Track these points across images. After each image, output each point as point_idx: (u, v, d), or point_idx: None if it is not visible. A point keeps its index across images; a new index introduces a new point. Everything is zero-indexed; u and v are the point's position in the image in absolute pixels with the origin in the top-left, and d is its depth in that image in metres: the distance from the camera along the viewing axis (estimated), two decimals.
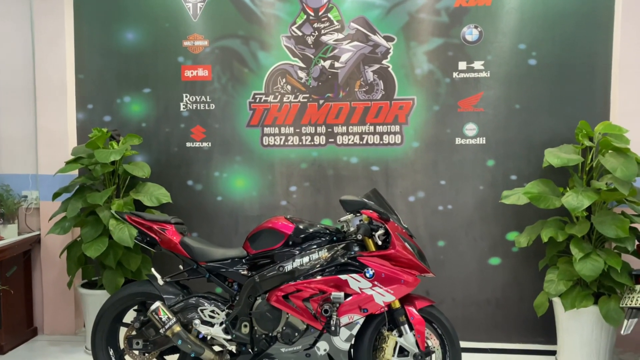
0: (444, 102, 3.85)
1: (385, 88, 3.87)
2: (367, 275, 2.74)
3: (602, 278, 3.25)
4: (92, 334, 3.04)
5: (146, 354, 3.00)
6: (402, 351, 2.84)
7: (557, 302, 3.43)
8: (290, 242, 2.87)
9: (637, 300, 3.00)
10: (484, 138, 3.83)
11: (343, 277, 2.75)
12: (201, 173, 4.04)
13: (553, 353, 3.65)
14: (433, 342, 2.86)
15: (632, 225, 3.33)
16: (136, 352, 2.99)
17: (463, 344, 3.82)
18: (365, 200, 2.85)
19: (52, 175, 3.84)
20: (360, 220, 2.91)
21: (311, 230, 2.89)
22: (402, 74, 3.86)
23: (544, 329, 3.81)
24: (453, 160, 3.87)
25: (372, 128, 3.90)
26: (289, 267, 2.82)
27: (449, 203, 3.89)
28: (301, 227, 2.88)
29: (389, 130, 3.89)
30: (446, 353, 2.90)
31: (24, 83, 4.03)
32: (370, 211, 2.82)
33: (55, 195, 3.65)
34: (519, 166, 3.82)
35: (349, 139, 3.92)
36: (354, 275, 2.75)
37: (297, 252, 2.86)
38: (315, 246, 2.86)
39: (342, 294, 2.71)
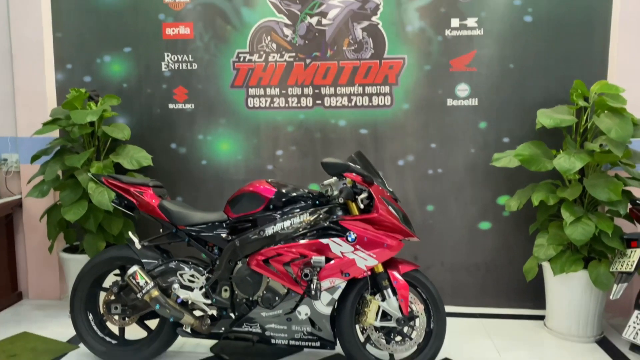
0: (436, 62, 3.70)
1: (375, 46, 3.72)
2: (349, 239, 2.67)
3: (593, 242, 3.18)
4: (70, 299, 2.99)
5: (125, 319, 2.95)
6: (385, 315, 2.78)
7: (546, 266, 3.36)
8: (271, 206, 2.79)
9: (627, 264, 2.93)
10: (477, 99, 3.70)
11: (324, 241, 2.67)
12: (185, 136, 3.93)
13: (542, 318, 3.61)
14: (417, 306, 2.80)
15: (626, 188, 3.24)
16: (115, 317, 2.94)
17: (452, 309, 3.81)
18: (349, 162, 2.75)
19: (31, 138, 3.74)
20: (343, 184, 2.81)
21: (293, 194, 2.80)
22: (393, 31, 3.70)
23: (533, 294, 3.76)
24: (444, 123, 3.75)
25: (360, 89, 3.76)
26: (269, 231, 2.74)
27: (439, 167, 3.78)
28: (283, 190, 2.79)
29: (378, 92, 3.76)
30: (430, 318, 2.85)
31: (0, 43, 3.88)
32: (354, 174, 2.72)
33: (34, 158, 3.54)
34: (511, 128, 3.70)
35: (337, 101, 3.79)
36: (335, 239, 2.67)
37: (279, 216, 2.78)
38: (297, 210, 2.78)
39: (323, 258, 2.63)
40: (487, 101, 3.69)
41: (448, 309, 3.82)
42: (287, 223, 2.73)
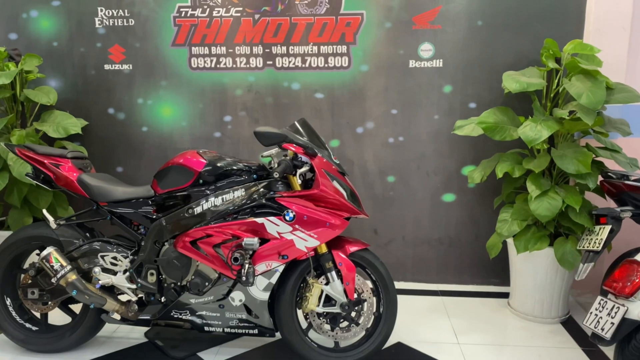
0: (397, 18, 3.35)
1: (330, 0, 3.35)
2: (287, 218, 2.38)
3: (561, 218, 2.93)
4: None
5: (46, 304, 2.67)
6: (330, 300, 2.54)
7: (510, 243, 3.13)
8: (201, 181, 2.48)
9: (595, 242, 2.69)
10: (441, 60, 3.38)
11: (259, 220, 2.39)
12: (123, 100, 3.57)
13: (506, 295, 3.40)
14: (365, 290, 2.55)
15: (598, 159, 2.98)
16: (33, 302, 2.66)
17: (412, 286, 3.59)
18: (287, 132, 2.44)
19: None
20: (284, 156, 2.51)
21: (226, 167, 2.49)
22: None
23: (499, 270, 3.55)
24: (406, 86, 3.43)
25: (315, 48, 3.42)
26: (198, 209, 2.44)
27: (401, 134, 3.49)
28: (213, 163, 2.47)
29: (334, 52, 3.41)
30: (380, 301, 2.60)
31: None
32: (295, 145, 2.42)
33: None
34: (479, 93, 3.40)
35: (289, 62, 3.44)
36: (271, 218, 2.39)
37: (210, 192, 2.48)
38: (231, 185, 2.48)
39: (255, 239, 2.35)
40: (452, 63, 3.37)
41: (409, 285, 3.62)
42: (218, 200, 2.43)
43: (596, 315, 2.24)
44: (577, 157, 2.75)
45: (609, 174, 2.86)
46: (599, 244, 2.66)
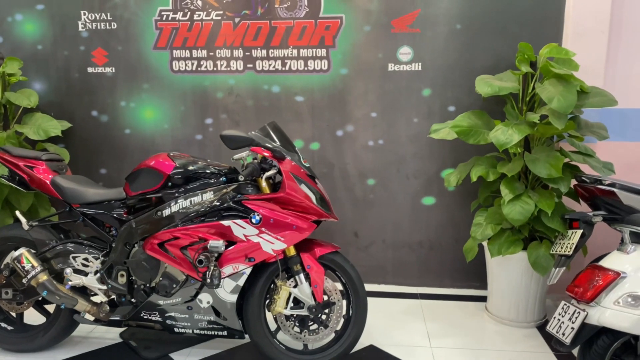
0: (376, 22, 3.36)
1: (310, 4, 3.37)
2: (253, 220, 2.40)
3: (534, 223, 2.92)
4: None
5: (18, 304, 2.71)
6: (299, 302, 2.55)
7: (486, 246, 3.12)
8: (170, 183, 2.51)
9: (566, 246, 2.68)
10: (420, 64, 3.38)
11: (226, 223, 2.41)
12: (106, 102, 3.61)
13: (484, 299, 3.40)
14: (334, 292, 2.56)
15: (573, 163, 2.97)
16: (8, 302, 2.70)
17: (392, 289, 3.60)
18: (252, 135, 2.46)
19: None
20: (254, 159, 2.53)
21: (196, 169, 2.51)
22: None
23: (479, 274, 3.54)
24: (385, 89, 3.44)
25: (295, 52, 3.43)
26: (166, 211, 2.47)
27: (380, 137, 3.50)
28: (183, 166, 2.50)
29: (314, 55, 3.43)
30: (350, 304, 2.61)
31: None
32: (262, 149, 2.44)
33: None
34: (458, 96, 3.40)
35: (269, 65, 3.46)
36: (237, 221, 2.41)
37: (180, 194, 2.50)
38: (201, 188, 2.50)
39: (220, 242, 2.37)
40: (431, 66, 3.38)
41: (389, 288, 3.62)
42: (186, 202, 2.46)
43: (559, 320, 2.24)
44: (549, 161, 2.75)
45: (583, 178, 2.84)
46: (570, 248, 2.64)
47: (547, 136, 2.92)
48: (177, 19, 3.45)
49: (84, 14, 3.51)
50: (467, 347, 2.85)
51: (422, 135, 3.46)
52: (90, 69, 3.57)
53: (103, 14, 3.50)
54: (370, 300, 3.40)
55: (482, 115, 3.00)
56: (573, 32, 3.16)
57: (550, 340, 2.91)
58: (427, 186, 3.52)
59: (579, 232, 2.66)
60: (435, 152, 3.47)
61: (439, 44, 3.34)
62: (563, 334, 2.17)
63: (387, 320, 3.16)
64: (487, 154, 3.17)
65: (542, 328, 3.07)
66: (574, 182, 3.00)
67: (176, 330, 2.59)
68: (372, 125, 3.49)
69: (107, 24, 3.51)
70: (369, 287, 3.62)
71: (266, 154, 2.44)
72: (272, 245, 2.43)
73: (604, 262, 2.25)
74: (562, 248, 2.72)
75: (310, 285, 2.51)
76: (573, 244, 2.64)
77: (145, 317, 2.58)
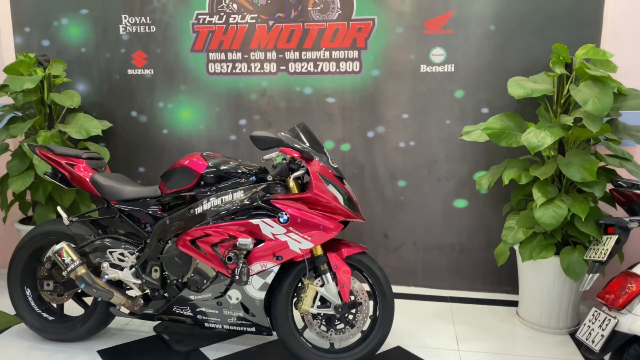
0: (409, 23, 3.36)
1: (342, 6, 3.40)
2: (281, 220, 2.45)
3: (568, 227, 2.87)
4: (7, 273, 2.89)
5: (59, 296, 2.84)
6: (325, 301, 2.58)
7: (518, 250, 3.08)
8: (203, 182, 2.58)
9: (600, 252, 2.62)
10: (453, 65, 3.36)
11: (255, 221, 2.46)
12: (145, 103, 3.74)
13: (515, 304, 3.35)
14: (361, 293, 2.58)
15: (610, 167, 2.90)
16: (49, 293, 2.84)
17: (422, 291, 3.59)
18: (284, 136, 2.51)
19: None
20: (284, 159, 2.58)
21: (227, 169, 2.58)
22: None
23: (511, 278, 3.49)
24: (417, 91, 3.43)
25: (327, 54, 3.47)
26: (199, 209, 2.54)
27: (411, 139, 3.49)
28: (215, 165, 2.57)
29: (346, 57, 3.46)
30: (377, 305, 2.63)
31: None
32: (291, 149, 2.48)
33: None
34: (491, 98, 3.36)
35: (302, 67, 3.51)
36: (266, 219, 2.46)
37: (212, 193, 2.57)
38: (232, 187, 2.57)
39: (249, 240, 2.42)
40: (464, 67, 3.35)
41: (419, 290, 3.61)
42: (217, 201, 2.53)
43: (589, 327, 2.19)
44: (583, 165, 2.69)
45: (620, 182, 2.77)
46: (605, 254, 2.58)
47: (582, 139, 2.86)
48: (213, 22, 3.54)
49: (125, 18, 3.64)
50: (496, 351, 2.82)
51: (454, 137, 3.43)
52: (130, 71, 3.71)
53: (143, 18, 3.62)
54: (399, 302, 3.40)
55: (515, 118, 2.96)
56: (612, 33, 3.09)
57: (581, 347, 2.85)
58: (458, 188, 3.50)
59: (614, 237, 2.59)
60: (468, 154, 3.44)
61: (473, 45, 3.31)
62: (593, 342, 2.12)
63: (415, 322, 3.15)
64: (520, 157, 3.13)
65: (574, 335, 3.00)
66: (610, 186, 2.92)
67: (206, 325, 2.67)
68: (403, 126, 3.49)
69: (147, 27, 3.63)
70: (398, 289, 3.62)
71: (295, 155, 2.48)
72: (299, 244, 2.47)
73: (637, 269, 2.20)
74: (596, 254, 2.65)
75: (336, 284, 2.54)
76: (607, 249, 2.58)
77: (177, 311, 2.66)
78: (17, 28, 3.77)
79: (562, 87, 2.96)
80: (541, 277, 2.97)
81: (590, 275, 2.60)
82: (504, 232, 2.99)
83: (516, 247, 3.09)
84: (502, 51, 3.29)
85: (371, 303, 2.64)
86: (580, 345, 2.85)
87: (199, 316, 2.65)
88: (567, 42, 3.11)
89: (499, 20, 3.26)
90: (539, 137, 2.67)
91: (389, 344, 2.87)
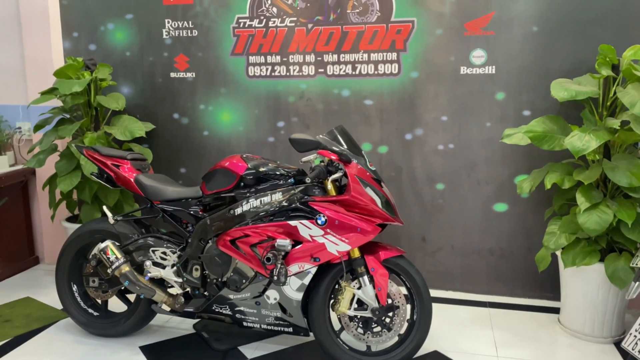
0: (449, 25, 3.34)
1: (381, 8, 3.40)
2: (319, 222, 2.46)
3: (614, 233, 2.78)
4: (55, 270, 3.01)
5: (103, 292, 2.94)
6: (362, 304, 2.59)
7: (560, 256, 3.01)
8: (242, 184, 2.63)
9: None
10: (494, 67, 3.31)
11: (293, 223, 2.49)
12: (187, 106, 3.82)
13: (557, 311, 3.27)
14: (399, 296, 2.57)
15: None
16: (94, 290, 2.94)
17: (459, 296, 3.55)
18: (322, 138, 2.53)
19: (42, 107, 3.76)
20: (321, 162, 2.60)
21: (266, 171, 2.61)
22: None
23: (553, 284, 3.41)
24: (457, 93, 3.40)
25: (365, 56, 3.47)
26: (238, 210, 2.59)
27: (451, 142, 3.46)
28: (254, 167, 2.61)
29: (384, 59, 3.45)
30: (414, 308, 2.62)
31: (9, 11, 3.90)
32: (329, 152, 2.50)
33: (37, 128, 3.56)
34: (533, 100, 3.29)
35: (340, 69, 3.53)
36: (304, 221, 2.48)
37: (251, 194, 2.61)
38: (271, 188, 2.60)
39: (287, 241, 2.45)
40: (505, 69, 3.30)
41: (456, 295, 3.57)
42: (256, 202, 2.56)
43: (635, 336, 2.13)
44: (630, 170, 2.61)
45: None
46: None
47: (629, 143, 2.77)
48: (253, 26, 3.59)
49: (168, 22, 3.73)
50: (537, 359, 2.76)
51: (494, 140, 3.38)
52: (172, 74, 3.80)
53: (185, 22, 3.70)
54: (436, 307, 3.37)
55: (558, 121, 2.90)
56: None
57: (627, 357, 2.76)
58: (499, 192, 3.44)
59: None
60: (508, 158, 3.38)
61: (514, 46, 3.26)
62: (639, 352, 2.06)
63: (453, 327, 3.12)
64: (563, 161, 3.06)
65: (619, 344, 2.91)
66: None
67: (245, 324, 2.71)
68: (442, 129, 3.46)
69: (189, 31, 3.71)
70: (435, 293, 3.58)
71: (333, 157, 2.50)
72: (336, 246, 2.48)
73: None
74: None
75: (374, 287, 2.54)
76: None
77: (217, 310, 2.72)
78: (66, 33, 3.92)
79: (608, 89, 2.87)
80: (585, 284, 2.89)
81: (637, 283, 2.53)
82: (546, 238, 2.93)
83: (558, 253, 3.03)
84: (545, 52, 3.22)
85: (408, 306, 2.63)
86: (625, 355, 2.76)
87: (237, 315, 2.70)
88: (613, 43, 3.03)
89: (541, 20, 3.20)
90: (583, 141, 2.61)
91: (426, 348, 2.85)
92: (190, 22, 3.70)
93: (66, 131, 3.30)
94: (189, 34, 3.72)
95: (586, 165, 2.97)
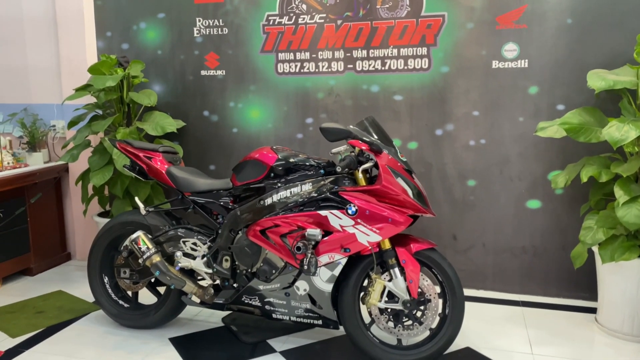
0: (480, 19, 3.30)
1: (411, 3, 3.38)
2: (349, 211, 2.44)
3: None
4: (87, 262, 3.05)
5: (135, 283, 2.96)
6: (393, 297, 2.55)
7: (597, 252, 2.92)
8: (272, 174, 2.63)
9: None
10: (526, 60, 3.26)
11: (323, 213, 2.47)
12: (216, 103, 3.86)
13: (594, 311, 3.17)
14: (430, 289, 2.52)
15: None
16: (125, 281, 2.96)
17: (492, 294, 3.48)
18: (352, 128, 2.51)
19: (76, 104, 3.84)
20: (351, 152, 2.58)
21: (296, 162, 2.61)
22: None
23: (589, 284, 3.31)
24: (488, 87, 3.35)
25: (395, 51, 3.46)
26: (268, 200, 2.59)
27: (482, 137, 3.40)
28: (284, 158, 2.61)
29: (414, 54, 3.43)
30: (446, 302, 2.56)
31: (45, 12, 4.01)
32: (360, 142, 2.48)
33: (71, 124, 3.64)
34: (567, 94, 3.23)
35: (369, 65, 3.51)
36: (334, 211, 2.46)
37: (281, 185, 2.61)
38: (301, 179, 2.59)
39: (317, 231, 2.44)
40: (539, 63, 3.24)
41: (488, 294, 3.50)
42: (286, 193, 2.56)
43: None
44: None
45: None
46: None
47: None
48: (283, 23, 3.61)
49: (199, 21, 3.78)
50: (574, 357, 2.67)
51: (527, 135, 3.32)
52: (203, 72, 3.84)
53: (216, 20, 3.75)
54: (468, 305, 3.30)
55: (595, 112, 2.83)
56: None
57: None
58: (532, 189, 3.37)
59: None
60: (542, 153, 3.31)
61: (548, 39, 3.20)
62: None
63: (485, 324, 3.05)
64: (600, 154, 2.98)
65: None
66: None
67: (274, 316, 2.69)
68: (473, 124, 3.41)
69: (219, 29, 3.75)
70: (467, 291, 3.51)
71: (363, 147, 2.48)
72: (367, 237, 2.45)
73: None
74: None
75: (405, 280, 2.50)
76: None
77: (246, 301, 2.71)
78: (100, 32, 4.00)
79: None
80: (623, 280, 2.80)
81: None
82: (582, 233, 2.85)
83: (595, 249, 2.94)
84: (580, 45, 3.16)
85: (440, 301, 2.58)
86: None
87: (267, 307, 2.68)
88: None
89: (575, 13, 3.14)
90: (622, 131, 2.54)
91: (458, 344, 2.79)
92: (220, 20, 3.74)
93: (99, 126, 3.36)
94: (220, 32, 3.76)
95: (624, 158, 2.88)
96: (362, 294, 2.61)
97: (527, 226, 3.41)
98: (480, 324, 3.06)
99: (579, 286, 3.36)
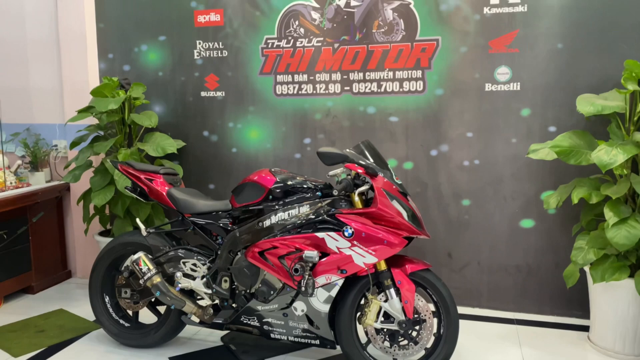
0: (473, 43, 3.39)
1: (406, 28, 3.47)
2: (346, 234, 2.51)
3: None
4: (89, 281, 3.10)
5: (136, 303, 3.01)
6: (389, 317, 2.60)
7: (588, 272, 2.98)
8: (271, 197, 2.69)
9: None
10: (519, 83, 3.34)
11: (320, 235, 2.54)
12: (216, 123, 3.93)
13: (586, 329, 3.22)
14: (425, 309, 2.58)
15: None
16: (126, 301, 3.01)
17: (487, 313, 3.53)
18: (349, 152, 2.58)
19: (78, 125, 3.91)
20: (348, 175, 2.65)
21: (294, 184, 2.68)
22: (425, 11, 3.43)
23: (581, 302, 3.37)
24: (482, 110, 3.43)
25: (391, 74, 3.54)
26: (267, 222, 2.65)
27: (476, 158, 3.48)
28: (282, 180, 2.68)
29: (409, 76, 3.52)
30: (441, 322, 2.62)
31: (48, 34, 4.10)
32: (355, 165, 2.55)
33: (72, 145, 3.71)
34: (559, 116, 3.31)
35: (365, 87, 3.60)
36: (331, 233, 2.53)
37: (279, 207, 2.68)
38: (299, 201, 2.66)
39: (315, 252, 2.50)
40: (530, 86, 3.33)
41: (483, 312, 3.55)
42: (284, 215, 2.63)
43: None
44: None
45: None
46: None
47: None
48: (281, 46, 3.70)
49: (199, 43, 3.87)
50: None
51: (520, 156, 3.39)
52: (203, 93, 3.92)
53: (216, 43, 3.84)
54: (463, 323, 3.35)
55: (585, 135, 2.90)
56: None
57: None
58: (525, 208, 3.43)
59: None
60: (534, 174, 3.38)
61: (539, 63, 3.29)
62: None
63: (480, 342, 3.10)
64: (590, 176, 3.06)
65: None
66: None
67: (272, 336, 2.74)
68: (467, 145, 3.48)
69: (219, 52, 3.84)
70: (462, 310, 3.56)
71: (359, 171, 2.55)
72: (363, 258, 2.51)
73: None
74: None
75: (400, 300, 2.56)
76: None
77: (245, 321, 2.76)
78: (102, 54, 4.09)
79: (635, 104, 2.88)
80: (614, 300, 2.86)
81: None
82: (574, 253, 2.91)
83: (586, 269, 3.00)
84: (570, 69, 3.25)
85: (435, 320, 2.64)
86: None
87: (265, 327, 2.73)
88: (639, 58, 3.03)
89: (566, 38, 3.23)
90: (610, 155, 2.61)
91: None
92: (220, 43, 3.83)
93: (101, 147, 3.42)
94: (219, 55, 3.84)
95: (614, 180, 2.96)
96: (358, 314, 2.67)
97: (521, 245, 3.48)
98: (475, 342, 3.11)
99: (572, 304, 3.42)
